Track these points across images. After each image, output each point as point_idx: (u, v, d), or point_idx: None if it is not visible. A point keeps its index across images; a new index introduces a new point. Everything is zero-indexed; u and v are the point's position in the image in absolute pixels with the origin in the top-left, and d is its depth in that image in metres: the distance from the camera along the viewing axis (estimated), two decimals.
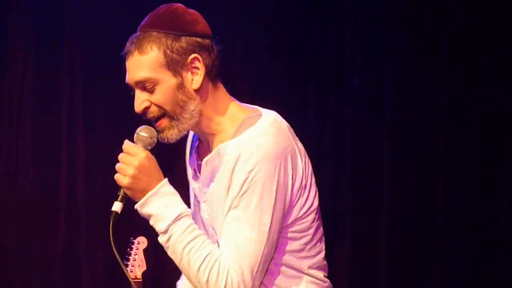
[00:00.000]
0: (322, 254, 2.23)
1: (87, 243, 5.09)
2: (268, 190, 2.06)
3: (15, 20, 5.12)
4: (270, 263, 2.12)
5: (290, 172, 2.10)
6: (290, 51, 4.93)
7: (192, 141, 2.36)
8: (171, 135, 2.17)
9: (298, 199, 2.14)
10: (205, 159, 2.20)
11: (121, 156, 2.14)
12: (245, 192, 2.06)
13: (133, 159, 2.11)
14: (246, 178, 2.06)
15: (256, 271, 2.06)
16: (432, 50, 4.77)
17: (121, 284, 4.14)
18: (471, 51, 4.71)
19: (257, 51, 4.94)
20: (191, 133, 2.35)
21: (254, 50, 4.95)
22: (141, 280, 4.10)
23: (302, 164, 2.15)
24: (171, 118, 2.15)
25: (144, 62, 2.11)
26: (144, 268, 4.11)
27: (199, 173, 2.25)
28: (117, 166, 2.14)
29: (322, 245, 2.24)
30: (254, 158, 2.06)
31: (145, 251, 4.13)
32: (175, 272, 4.99)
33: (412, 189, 4.80)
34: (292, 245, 2.16)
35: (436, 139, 4.78)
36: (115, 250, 2.12)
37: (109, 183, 4.96)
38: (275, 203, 2.07)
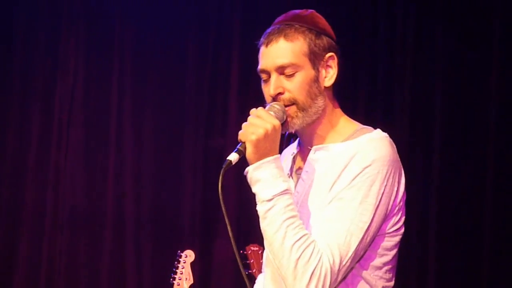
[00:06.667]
0: (393, 283, 2.24)
1: (134, 256, 5.10)
2: (375, 191, 2.10)
3: (67, 27, 5.19)
4: (351, 271, 2.13)
5: (396, 184, 2.15)
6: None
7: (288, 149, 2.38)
8: (295, 123, 2.20)
9: (394, 215, 2.17)
10: (313, 152, 2.23)
11: (252, 117, 2.14)
12: (354, 185, 2.09)
13: (265, 122, 2.11)
14: (360, 173, 2.09)
15: (344, 265, 2.06)
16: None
17: None
18: None
19: None
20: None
21: None
22: None
23: (404, 185, 2.19)
24: (300, 108, 2.19)
25: (290, 49, 2.18)
26: (191, 281, 4.10)
27: (291, 177, 2.29)
28: (246, 124, 2.14)
29: (394, 274, 2.24)
30: (372, 156, 2.10)
31: (193, 264, 4.12)
32: (221, 285, 4.99)
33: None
34: (374, 260, 2.17)
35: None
36: (222, 203, 2.11)
37: (156, 194, 5.00)
38: (378, 205, 2.10)
